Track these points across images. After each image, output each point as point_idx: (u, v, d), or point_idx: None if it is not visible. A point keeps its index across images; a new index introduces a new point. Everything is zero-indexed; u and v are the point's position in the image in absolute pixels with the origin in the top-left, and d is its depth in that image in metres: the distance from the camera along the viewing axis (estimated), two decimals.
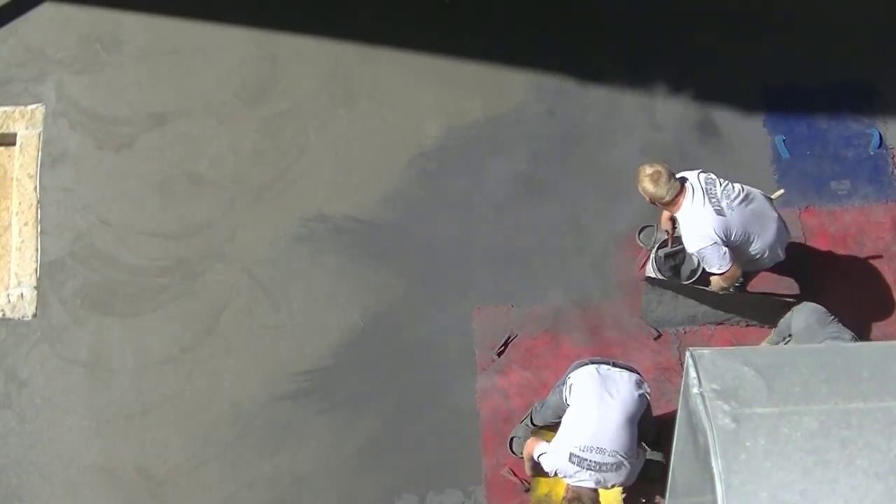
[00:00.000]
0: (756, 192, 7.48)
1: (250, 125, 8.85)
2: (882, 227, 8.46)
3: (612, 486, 6.78)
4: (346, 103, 8.92)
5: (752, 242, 7.36)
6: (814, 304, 7.44)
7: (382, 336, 8.25)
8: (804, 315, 7.35)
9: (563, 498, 6.85)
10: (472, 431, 7.99)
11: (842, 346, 6.28)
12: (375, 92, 8.95)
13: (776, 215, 7.52)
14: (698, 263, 7.85)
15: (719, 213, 7.15)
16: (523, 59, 8.98)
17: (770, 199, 7.57)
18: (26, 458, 8.02)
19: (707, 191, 7.19)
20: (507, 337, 8.22)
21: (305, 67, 9.02)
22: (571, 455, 6.69)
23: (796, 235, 8.35)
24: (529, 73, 8.95)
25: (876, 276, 8.34)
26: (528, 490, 7.81)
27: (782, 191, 8.01)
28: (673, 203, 7.21)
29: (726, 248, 7.18)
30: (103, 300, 8.37)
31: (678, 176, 7.25)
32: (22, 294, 8.39)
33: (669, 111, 8.78)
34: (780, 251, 7.56)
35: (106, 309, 8.35)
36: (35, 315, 8.35)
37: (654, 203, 7.31)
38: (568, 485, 6.81)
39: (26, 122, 8.87)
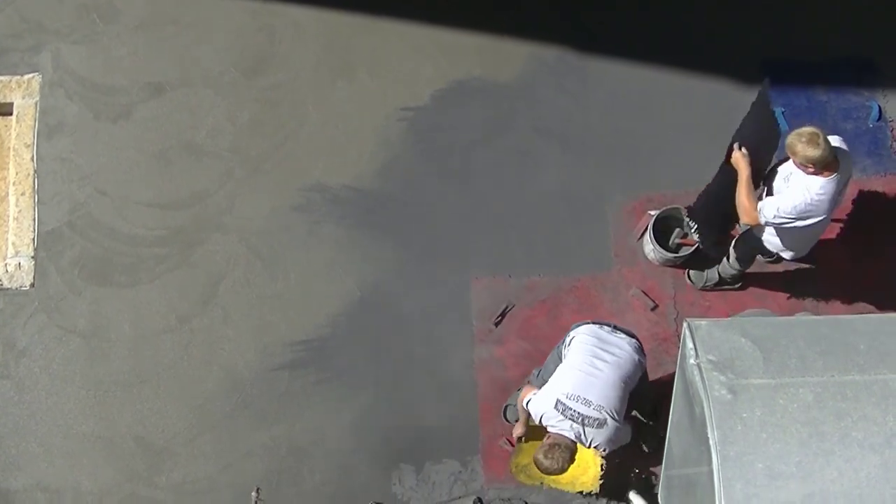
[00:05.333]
0: None
1: (248, 96, 8.83)
2: (880, 199, 8.46)
3: (591, 444, 6.68)
4: (344, 74, 8.90)
5: (797, 238, 7.25)
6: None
7: (380, 306, 8.27)
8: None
9: (544, 441, 6.72)
10: (469, 402, 8.02)
11: (839, 319, 6.29)
12: (374, 63, 8.93)
13: None
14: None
15: (832, 205, 6.92)
16: (523, 30, 8.94)
17: None
18: (25, 428, 8.05)
19: (844, 186, 6.96)
20: (504, 307, 8.23)
21: (304, 38, 8.99)
22: (558, 401, 6.63)
23: None
24: (529, 45, 8.92)
25: (874, 249, 8.35)
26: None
27: None
28: (825, 168, 6.80)
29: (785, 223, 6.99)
30: (101, 270, 8.38)
31: (835, 144, 6.94)
32: (20, 264, 8.39)
33: (669, 83, 8.75)
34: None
35: (103, 279, 8.36)
36: (33, 285, 8.36)
37: (812, 168, 6.80)
38: (549, 431, 6.74)
39: (23, 92, 8.85)
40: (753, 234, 7.48)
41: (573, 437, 6.63)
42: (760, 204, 6.99)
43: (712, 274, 8.17)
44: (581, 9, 8.99)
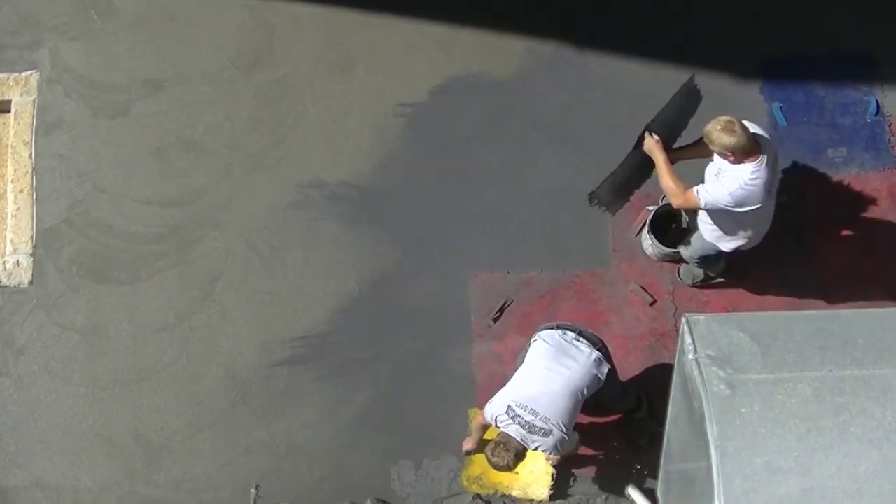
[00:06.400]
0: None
1: (246, 92, 8.82)
2: (878, 194, 8.45)
3: (536, 448, 6.84)
4: (342, 71, 8.89)
5: (748, 226, 7.23)
6: None
7: (378, 302, 8.26)
8: None
9: (493, 440, 6.92)
10: (467, 397, 8.01)
11: (837, 314, 6.29)
12: (372, 59, 8.92)
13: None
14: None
15: (768, 192, 6.93)
16: (521, 25, 8.94)
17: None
18: (24, 425, 8.05)
19: (774, 168, 6.97)
20: (503, 303, 8.23)
21: (301, 35, 8.98)
22: (509, 407, 6.79)
23: (792, 203, 8.37)
24: (527, 40, 8.91)
25: (872, 243, 8.35)
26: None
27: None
28: (746, 155, 6.82)
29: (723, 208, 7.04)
30: (99, 267, 8.37)
31: (754, 130, 6.96)
32: (18, 261, 8.39)
33: (667, 77, 8.73)
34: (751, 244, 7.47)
35: (102, 276, 8.35)
36: (31, 282, 8.36)
37: (731, 158, 6.85)
38: (500, 430, 6.90)
39: (21, 89, 8.85)
40: (700, 236, 7.52)
41: (519, 440, 6.80)
42: (696, 189, 7.02)
43: (699, 271, 8.16)
44: (579, 4, 8.98)
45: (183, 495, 7.91)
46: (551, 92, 8.77)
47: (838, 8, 8.93)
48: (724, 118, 6.79)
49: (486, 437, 7.45)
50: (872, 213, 8.42)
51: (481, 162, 8.59)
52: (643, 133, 7.33)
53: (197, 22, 9.04)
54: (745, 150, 6.79)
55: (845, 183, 8.50)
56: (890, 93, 8.73)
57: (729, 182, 6.91)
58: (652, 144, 7.24)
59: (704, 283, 8.22)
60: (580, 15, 8.95)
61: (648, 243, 8.16)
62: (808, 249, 8.27)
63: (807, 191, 8.46)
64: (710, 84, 8.63)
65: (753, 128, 6.98)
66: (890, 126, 8.64)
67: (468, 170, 8.57)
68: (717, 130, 6.77)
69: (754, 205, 6.92)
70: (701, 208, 7.08)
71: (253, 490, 7.80)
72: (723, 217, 7.16)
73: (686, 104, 7.60)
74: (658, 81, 8.69)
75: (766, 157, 6.85)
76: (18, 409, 8.09)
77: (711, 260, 7.78)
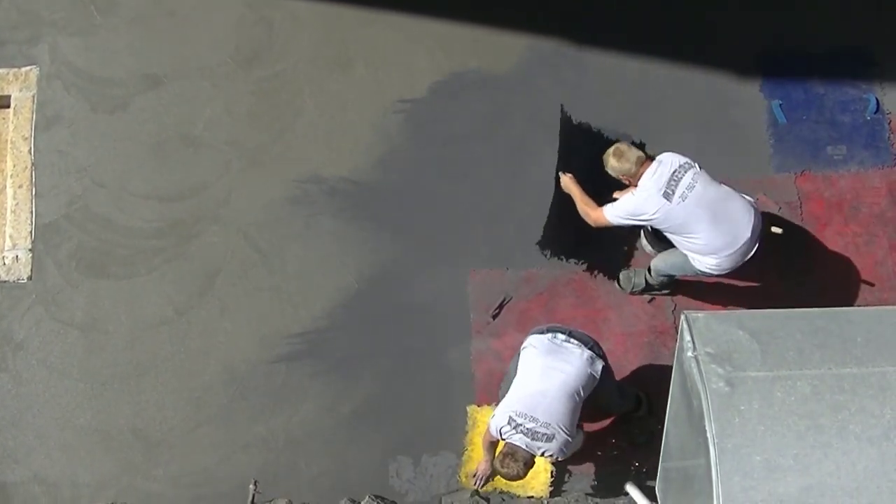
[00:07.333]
0: (738, 200, 7.30)
1: (245, 88, 8.81)
2: (878, 192, 8.46)
3: (542, 454, 6.87)
4: (341, 66, 8.88)
5: (691, 236, 7.22)
6: None
7: (377, 298, 8.26)
8: None
9: (500, 451, 6.96)
10: (466, 394, 8.02)
11: (836, 311, 6.30)
12: (371, 55, 8.91)
13: (748, 234, 7.27)
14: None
15: (666, 196, 7.09)
16: (520, 22, 8.93)
17: (753, 210, 7.33)
18: (22, 421, 8.04)
19: (673, 174, 7.13)
20: (502, 300, 8.23)
21: (301, 30, 8.97)
22: (510, 418, 6.82)
23: (791, 201, 8.37)
24: (527, 37, 8.90)
25: (871, 241, 8.35)
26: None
27: (780, 230, 8.02)
28: (638, 175, 7.22)
29: (633, 223, 7.40)
30: (98, 262, 8.37)
31: (664, 154, 7.30)
32: (17, 257, 8.39)
33: (666, 75, 8.75)
34: (729, 264, 7.39)
35: (101, 271, 8.35)
36: (30, 278, 8.35)
37: (627, 181, 7.32)
38: (505, 441, 6.93)
39: (20, 85, 8.84)
40: (672, 257, 7.66)
41: (525, 448, 6.83)
42: (604, 207, 7.42)
43: (639, 279, 8.15)
44: (579, 2, 8.97)
45: (181, 490, 7.92)
46: (551, 88, 8.76)
47: (838, 6, 8.92)
48: (616, 145, 7.33)
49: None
50: (872, 210, 8.42)
51: (480, 158, 8.58)
52: (557, 175, 7.98)
53: (196, 17, 9.02)
54: (635, 173, 7.23)
55: (844, 181, 8.50)
56: (889, 91, 8.73)
57: (628, 195, 7.31)
58: (566, 181, 7.82)
59: (643, 293, 8.20)
60: (580, 12, 8.94)
61: (647, 240, 8.16)
62: (807, 247, 8.27)
63: (806, 188, 8.46)
64: (710, 80, 8.67)
65: (672, 156, 7.27)
66: (889, 124, 8.65)
67: (467, 166, 8.56)
68: (609, 156, 7.33)
69: (651, 211, 7.17)
70: (611, 224, 7.41)
71: (251, 486, 7.81)
72: (676, 239, 7.38)
73: (581, 133, 8.42)
74: (657, 77, 8.72)
75: (659, 168, 7.18)
76: (17, 404, 8.09)
77: (670, 278, 7.95)
